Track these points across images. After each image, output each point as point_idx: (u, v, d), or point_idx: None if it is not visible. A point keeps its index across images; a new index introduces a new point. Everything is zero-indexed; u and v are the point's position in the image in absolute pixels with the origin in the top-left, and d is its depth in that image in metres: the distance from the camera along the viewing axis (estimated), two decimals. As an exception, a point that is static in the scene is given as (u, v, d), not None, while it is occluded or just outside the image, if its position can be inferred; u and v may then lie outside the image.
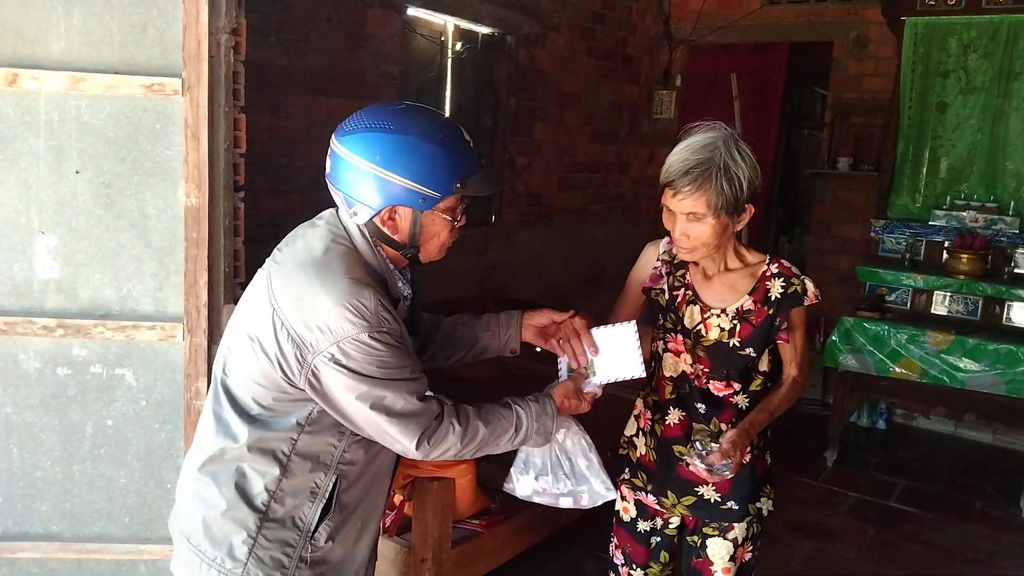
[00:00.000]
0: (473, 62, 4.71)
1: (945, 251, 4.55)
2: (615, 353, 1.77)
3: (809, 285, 1.84)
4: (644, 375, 1.81)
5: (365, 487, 1.58)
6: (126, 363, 2.05)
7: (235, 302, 2.17)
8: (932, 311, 4.51)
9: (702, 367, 1.84)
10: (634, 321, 1.81)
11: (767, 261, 1.87)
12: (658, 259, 1.95)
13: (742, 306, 1.83)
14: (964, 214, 4.57)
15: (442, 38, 4.46)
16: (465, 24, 4.53)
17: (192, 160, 1.95)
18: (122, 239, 2.00)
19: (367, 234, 1.49)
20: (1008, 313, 4.31)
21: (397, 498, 2.23)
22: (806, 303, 1.83)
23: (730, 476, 1.74)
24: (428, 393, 1.52)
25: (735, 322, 1.82)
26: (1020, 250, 4.43)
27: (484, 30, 4.66)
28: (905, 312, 4.54)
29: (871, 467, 4.58)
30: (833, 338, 4.40)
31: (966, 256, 4.34)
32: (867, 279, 4.66)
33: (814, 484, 4.29)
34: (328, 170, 1.50)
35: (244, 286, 2.26)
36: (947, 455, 4.84)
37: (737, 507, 1.89)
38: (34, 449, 2.07)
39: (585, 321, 1.78)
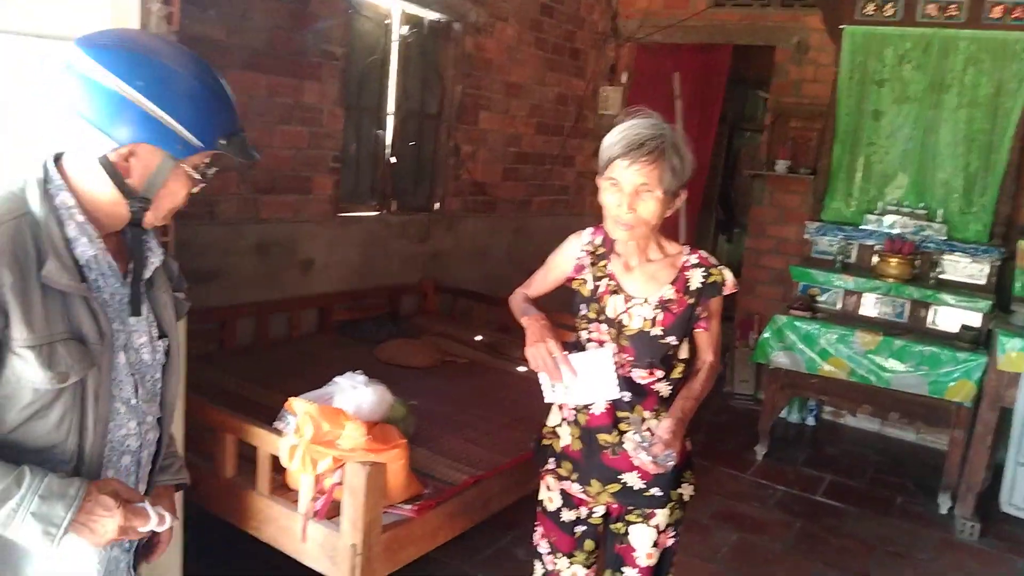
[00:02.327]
0: (419, 47, 4.67)
1: (876, 255, 4.68)
2: (592, 376, 1.83)
3: (728, 275, 1.91)
4: (619, 396, 1.86)
5: None
6: None
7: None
8: (861, 312, 4.64)
9: (626, 356, 1.86)
10: (610, 346, 1.87)
11: (686, 252, 1.91)
12: (581, 250, 1.98)
13: (663, 296, 1.86)
14: (895, 219, 4.71)
15: (387, 21, 4.41)
16: (412, 8, 4.49)
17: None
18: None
19: (56, 174, 1.26)
20: (933, 317, 4.45)
21: (328, 481, 2.20)
22: (725, 292, 1.90)
23: (672, 464, 1.78)
24: None
25: (657, 311, 1.85)
26: (946, 256, 4.58)
27: (431, 16, 4.63)
28: (835, 312, 4.65)
29: (799, 462, 4.70)
30: (765, 335, 4.50)
31: (895, 260, 4.47)
32: (800, 279, 4.77)
33: (743, 477, 4.39)
34: (55, 87, 1.22)
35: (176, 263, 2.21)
36: (872, 452, 4.99)
37: (660, 493, 1.91)
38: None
39: (559, 344, 1.82)
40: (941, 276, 4.53)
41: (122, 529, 1.24)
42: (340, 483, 2.16)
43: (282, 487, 2.41)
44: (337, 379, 2.49)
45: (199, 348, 3.37)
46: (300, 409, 2.20)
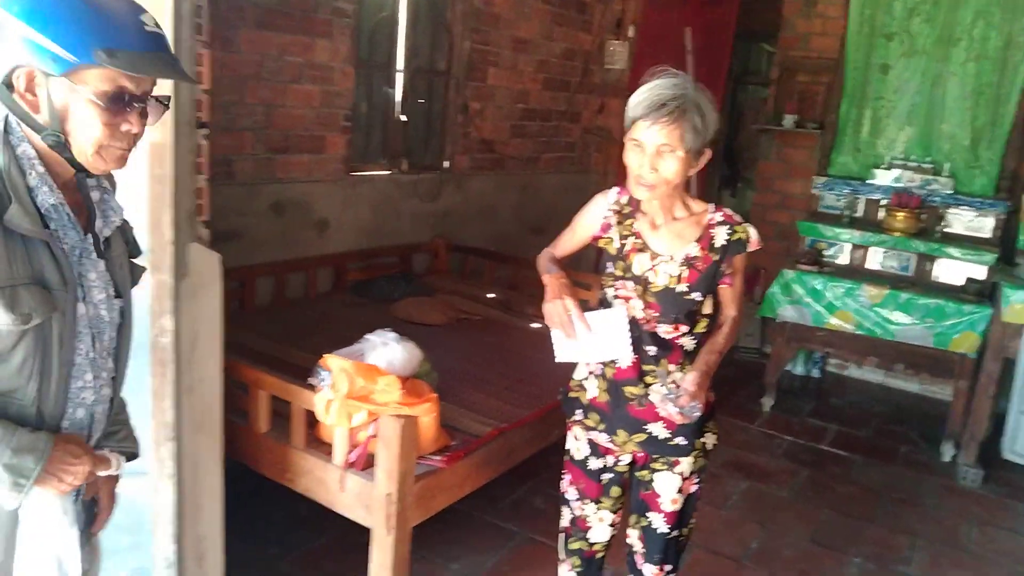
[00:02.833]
0: (428, 3, 4.65)
1: (882, 209, 4.73)
2: (605, 335, 1.88)
3: (752, 232, 1.95)
4: (632, 358, 1.91)
5: None
6: (89, 298, 2.02)
7: (199, 240, 2.17)
8: (867, 266, 4.71)
9: (652, 312, 1.92)
10: (625, 308, 1.91)
11: (711, 210, 1.96)
12: (608, 209, 2.02)
13: (689, 253, 1.92)
14: (901, 173, 4.75)
15: (398, -23, 4.39)
16: (422, -36, 4.46)
17: (157, 94, 1.92)
18: (85, 173, 1.96)
19: (16, 127, 1.28)
20: (939, 270, 4.52)
21: (362, 435, 2.28)
22: (749, 249, 1.95)
23: (698, 415, 1.86)
24: None
25: (682, 268, 1.91)
26: (952, 210, 4.64)
27: (441, -29, 4.60)
28: (842, 267, 4.72)
29: (805, 413, 4.81)
30: (773, 290, 4.56)
31: (902, 214, 4.53)
32: (807, 234, 4.82)
33: (752, 428, 4.49)
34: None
35: (208, 224, 2.26)
36: (877, 403, 5.10)
37: (685, 442, 1.99)
38: None
39: (576, 302, 1.87)
40: (947, 230, 4.60)
41: (88, 474, 1.34)
42: (374, 436, 2.23)
43: (315, 441, 2.49)
44: (368, 336, 2.56)
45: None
46: (335, 365, 2.27)
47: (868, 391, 5.31)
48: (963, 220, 4.62)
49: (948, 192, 4.62)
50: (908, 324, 4.23)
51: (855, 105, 4.93)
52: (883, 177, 4.81)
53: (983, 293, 4.22)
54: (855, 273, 4.60)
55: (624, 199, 2.01)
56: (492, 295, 4.34)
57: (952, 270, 4.47)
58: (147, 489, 2.11)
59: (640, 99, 1.82)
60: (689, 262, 1.92)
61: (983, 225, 4.58)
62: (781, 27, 5.62)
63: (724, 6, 6.15)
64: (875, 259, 4.70)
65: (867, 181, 4.87)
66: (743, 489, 3.74)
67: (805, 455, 4.19)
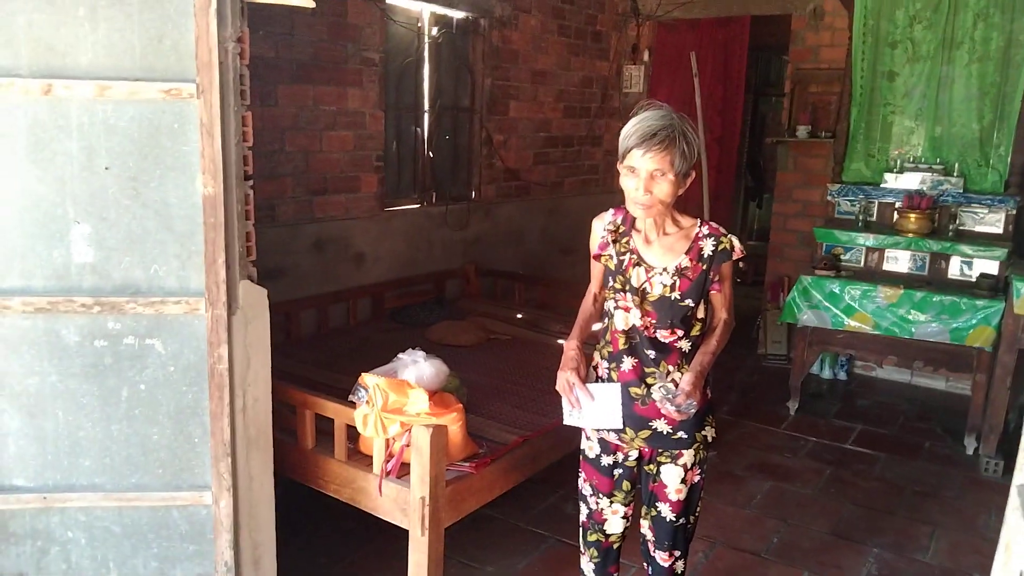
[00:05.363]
0: (449, 45, 4.97)
1: (895, 211, 4.88)
2: (602, 405, 2.18)
3: (736, 242, 2.19)
4: (621, 428, 2.19)
5: None
6: (155, 334, 2.33)
7: (249, 278, 2.47)
8: (884, 268, 4.85)
9: (650, 319, 2.16)
10: (619, 384, 2.20)
11: (699, 224, 2.20)
12: (604, 229, 2.27)
13: (680, 264, 2.15)
14: (913, 176, 4.90)
15: (419, 24, 4.72)
16: (440, 10, 4.79)
17: (207, 154, 2.23)
18: (148, 226, 2.27)
19: None
20: (953, 267, 4.65)
21: (397, 445, 2.54)
22: (734, 257, 2.18)
23: (694, 411, 2.09)
24: None
25: (675, 278, 2.15)
26: (964, 208, 4.76)
27: (458, 15, 4.92)
28: (859, 270, 4.87)
29: (831, 415, 4.95)
30: (792, 296, 4.73)
31: (914, 215, 4.67)
32: (824, 240, 4.98)
33: (777, 431, 4.65)
34: None
35: (256, 263, 2.56)
36: (902, 402, 5.22)
37: (686, 436, 2.22)
38: (76, 412, 2.36)
39: (579, 375, 2.17)
40: (960, 228, 4.72)
41: None
42: (408, 445, 2.50)
43: (356, 453, 2.77)
44: (400, 355, 2.84)
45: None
46: (371, 382, 2.54)
47: (894, 391, 5.42)
48: (975, 217, 4.75)
49: (959, 191, 4.75)
50: (924, 322, 4.36)
51: (865, 112, 5.09)
52: (895, 181, 4.95)
53: (996, 288, 4.34)
54: (872, 275, 4.75)
55: (619, 219, 2.26)
56: (520, 315, 4.60)
57: (966, 267, 4.59)
58: (208, 501, 2.39)
59: (632, 130, 2.08)
60: (681, 272, 2.15)
61: (995, 221, 4.70)
62: (791, 41, 5.82)
63: (735, 25, 6.37)
64: (891, 260, 4.83)
65: (880, 185, 5.02)
66: (766, 489, 3.91)
67: (829, 455, 4.34)
